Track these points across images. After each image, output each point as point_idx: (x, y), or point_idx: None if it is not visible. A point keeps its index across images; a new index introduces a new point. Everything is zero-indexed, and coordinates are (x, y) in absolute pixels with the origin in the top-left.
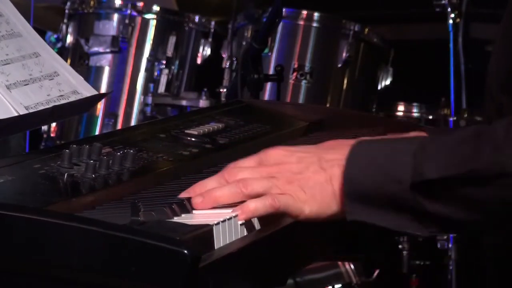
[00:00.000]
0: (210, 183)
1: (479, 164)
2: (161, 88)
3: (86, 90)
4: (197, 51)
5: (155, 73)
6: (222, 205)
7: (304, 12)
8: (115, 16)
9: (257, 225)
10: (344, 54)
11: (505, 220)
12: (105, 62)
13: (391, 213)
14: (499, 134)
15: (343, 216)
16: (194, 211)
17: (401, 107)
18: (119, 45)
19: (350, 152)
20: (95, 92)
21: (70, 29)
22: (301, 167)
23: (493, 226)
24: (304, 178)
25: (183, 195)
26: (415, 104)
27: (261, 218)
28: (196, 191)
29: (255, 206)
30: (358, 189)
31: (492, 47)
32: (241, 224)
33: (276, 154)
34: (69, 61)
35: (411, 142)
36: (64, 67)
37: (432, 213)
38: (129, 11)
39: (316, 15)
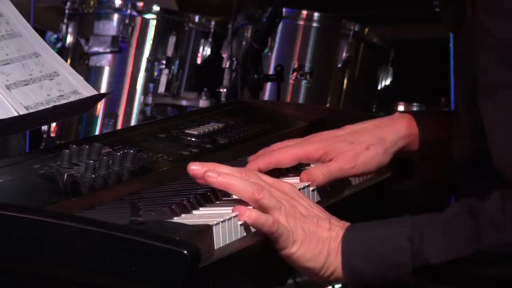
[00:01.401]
0: (225, 168)
1: (482, 246)
2: (161, 88)
3: (86, 90)
4: (197, 51)
5: (155, 73)
6: (219, 203)
7: (304, 12)
8: (115, 16)
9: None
10: (344, 54)
11: None
12: (105, 62)
13: None
14: (497, 213)
15: (319, 277)
16: (193, 211)
17: (401, 107)
18: (119, 45)
19: (343, 240)
20: (95, 92)
21: (70, 29)
22: (307, 213)
23: None
24: (307, 223)
25: (195, 165)
26: (415, 104)
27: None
28: (210, 167)
29: (257, 218)
30: (359, 278)
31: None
32: (240, 225)
33: (289, 186)
34: (69, 61)
35: (402, 224)
36: (64, 67)
37: None
38: (129, 11)
39: (316, 15)
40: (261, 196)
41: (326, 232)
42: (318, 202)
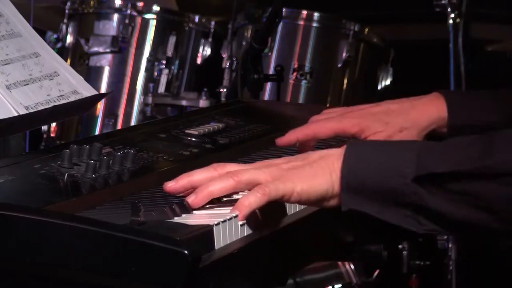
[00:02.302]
0: (197, 173)
1: (491, 161)
2: (161, 88)
3: (86, 90)
4: (197, 51)
5: (155, 73)
6: (218, 203)
7: (304, 12)
8: (115, 16)
9: (258, 223)
10: (344, 54)
11: (506, 222)
12: (105, 62)
13: (388, 207)
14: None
15: (332, 199)
16: (194, 211)
17: None
18: (119, 45)
19: (348, 145)
20: (95, 92)
21: (70, 29)
22: (288, 159)
23: (490, 229)
24: (292, 162)
25: (170, 183)
26: None
27: (262, 215)
28: (184, 183)
29: (249, 201)
30: (357, 180)
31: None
32: (241, 225)
33: (263, 160)
34: (69, 61)
35: (412, 142)
36: (64, 67)
37: (432, 209)
38: (129, 11)
39: (316, 15)
40: (239, 177)
41: (316, 157)
42: None
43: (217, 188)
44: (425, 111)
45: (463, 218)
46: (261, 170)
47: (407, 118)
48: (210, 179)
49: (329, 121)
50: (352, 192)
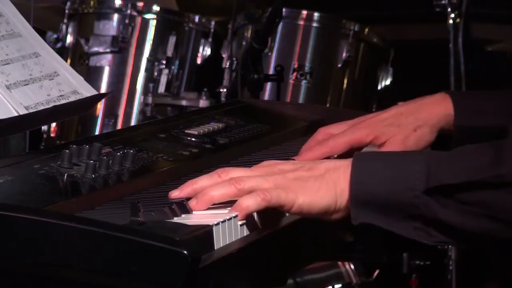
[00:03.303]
0: (202, 180)
1: (504, 169)
2: (161, 88)
3: (86, 90)
4: (197, 51)
5: (155, 73)
6: (218, 203)
7: (304, 12)
8: (115, 16)
9: (258, 223)
10: (344, 54)
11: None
12: (105, 62)
13: (398, 220)
14: None
15: (336, 213)
16: (193, 212)
17: None
18: (119, 45)
19: (354, 158)
20: (95, 92)
21: (70, 29)
22: (294, 167)
23: (502, 239)
24: (297, 173)
25: (174, 193)
26: None
27: (261, 216)
28: (188, 190)
29: (247, 204)
30: (366, 194)
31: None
32: (241, 225)
33: (268, 161)
34: (69, 61)
35: (418, 152)
36: (64, 67)
37: (443, 220)
38: (129, 11)
39: (316, 15)
40: (241, 186)
41: (322, 169)
42: None
43: (218, 194)
44: (433, 109)
45: (474, 229)
46: (265, 178)
47: (418, 117)
48: (214, 185)
49: (343, 135)
50: (361, 206)
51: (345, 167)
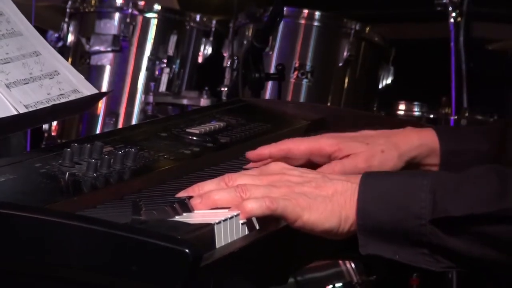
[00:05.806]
0: (208, 185)
1: (508, 203)
2: (162, 87)
3: (86, 89)
4: (198, 50)
5: (156, 72)
6: (220, 207)
7: (305, 11)
8: (116, 15)
9: (257, 225)
10: (345, 53)
11: None
12: (106, 61)
13: (405, 247)
14: None
15: (337, 236)
16: (195, 210)
17: (402, 106)
18: (120, 44)
19: (361, 183)
20: (96, 91)
21: (71, 28)
22: (303, 179)
23: (509, 267)
24: (306, 188)
25: (181, 194)
26: (416, 103)
27: (260, 219)
28: (195, 192)
29: (251, 207)
30: (372, 223)
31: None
32: (242, 223)
33: (277, 166)
34: (70, 60)
35: (424, 177)
36: (64, 66)
37: (449, 248)
38: (130, 10)
39: (317, 14)
40: (248, 195)
41: (330, 189)
42: None
43: (223, 200)
44: (406, 137)
45: (481, 257)
46: (271, 190)
47: (388, 140)
48: (219, 190)
49: (305, 140)
50: (368, 234)
51: (352, 191)
